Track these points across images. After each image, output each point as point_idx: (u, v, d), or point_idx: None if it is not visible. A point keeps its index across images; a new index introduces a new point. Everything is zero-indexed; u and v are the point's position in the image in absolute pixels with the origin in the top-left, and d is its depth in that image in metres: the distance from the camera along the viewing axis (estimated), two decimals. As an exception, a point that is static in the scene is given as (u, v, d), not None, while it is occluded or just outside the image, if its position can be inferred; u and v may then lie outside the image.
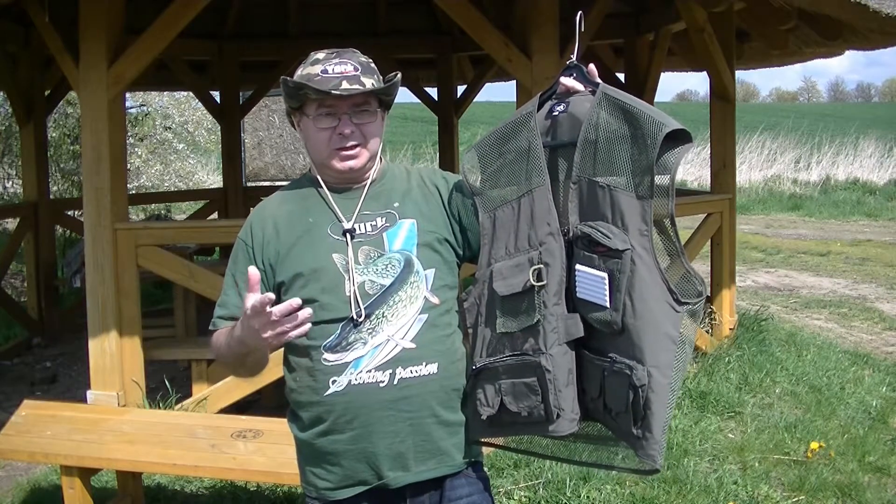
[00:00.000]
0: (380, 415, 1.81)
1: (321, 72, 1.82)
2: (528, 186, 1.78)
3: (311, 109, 1.86)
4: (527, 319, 1.74)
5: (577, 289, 1.73)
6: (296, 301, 1.63)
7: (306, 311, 1.64)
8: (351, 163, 1.87)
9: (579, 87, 1.77)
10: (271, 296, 1.63)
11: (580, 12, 1.83)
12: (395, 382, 1.81)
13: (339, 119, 1.85)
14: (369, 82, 1.84)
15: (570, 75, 1.79)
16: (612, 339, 1.69)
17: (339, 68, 1.83)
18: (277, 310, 1.62)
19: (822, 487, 3.82)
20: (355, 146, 1.86)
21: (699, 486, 3.75)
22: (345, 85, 1.81)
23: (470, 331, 1.87)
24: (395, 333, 1.82)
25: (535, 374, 1.73)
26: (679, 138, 1.63)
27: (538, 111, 1.82)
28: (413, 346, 1.83)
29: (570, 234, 1.73)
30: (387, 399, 1.81)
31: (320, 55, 1.87)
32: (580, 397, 1.76)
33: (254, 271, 1.69)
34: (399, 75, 1.90)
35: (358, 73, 1.84)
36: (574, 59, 1.80)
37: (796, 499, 3.76)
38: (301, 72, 1.86)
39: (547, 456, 1.95)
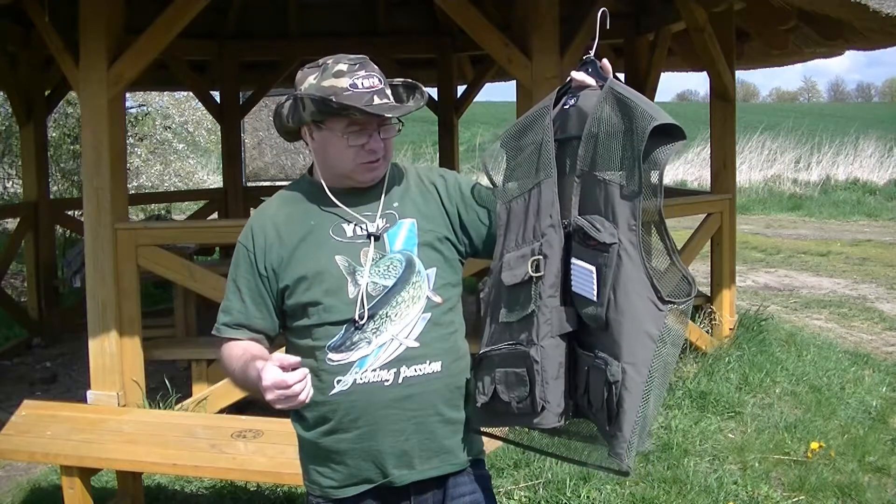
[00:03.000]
0: (385, 413, 1.82)
1: (350, 86, 1.80)
2: (537, 179, 1.80)
3: (339, 125, 1.82)
4: (524, 310, 1.76)
5: (571, 283, 1.74)
6: (304, 371, 1.68)
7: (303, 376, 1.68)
8: (374, 174, 1.88)
9: (591, 81, 1.79)
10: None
11: (603, 9, 1.83)
12: (400, 381, 1.82)
13: (369, 135, 1.84)
14: (391, 94, 1.85)
15: (586, 70, 1.81)
16: (599, 334, 1.69)
17: (367, 82, 1.81)
18: (294, 383, 1.65)
19: (822, 487, 3.82)
20: (379, 159, 1.87)
21: (699, 486, 3.75)
22: (376, 100, 1.80)
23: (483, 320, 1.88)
24: (398, 333, 1.83)
25: (525, 364, 1.74)
26: (673, 135, 1.63)
27: (556, 105, 1.84)
28: (417, 344, 1.83)
29: (570, 228, 1.75)
30: (392, 398, 1.82)
31: (343, 66, 1.83)
32: (573, 393, 1.77)
33: (296, 361, 1.69)
34: (425, 94, 1.92)
35: (383, 85, 1.84)
36: (591, 54, 1.81)
37: (796, 499, 3.77)
38: (322, 82, 1.82)
39: (542, 451, 1.95)
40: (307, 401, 1.69)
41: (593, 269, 1.67)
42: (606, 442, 1.70)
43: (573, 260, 1.73)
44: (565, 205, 1.77)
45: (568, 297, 1.75)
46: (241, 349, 1.88)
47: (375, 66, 1.87)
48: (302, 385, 1.65)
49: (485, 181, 1.97)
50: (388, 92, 1.85)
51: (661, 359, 1.64)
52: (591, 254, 1.68)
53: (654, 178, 1.63)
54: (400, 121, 1.91)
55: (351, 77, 1.81)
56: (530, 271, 1.74)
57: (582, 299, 1.71)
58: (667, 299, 1.64)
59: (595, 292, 1.67)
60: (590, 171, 1.72)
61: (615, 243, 1.64)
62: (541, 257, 1.74)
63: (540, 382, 1.73)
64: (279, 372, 1.65)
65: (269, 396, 1.65)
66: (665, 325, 1.64)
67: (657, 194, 1.63)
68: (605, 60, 1.79)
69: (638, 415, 1.63)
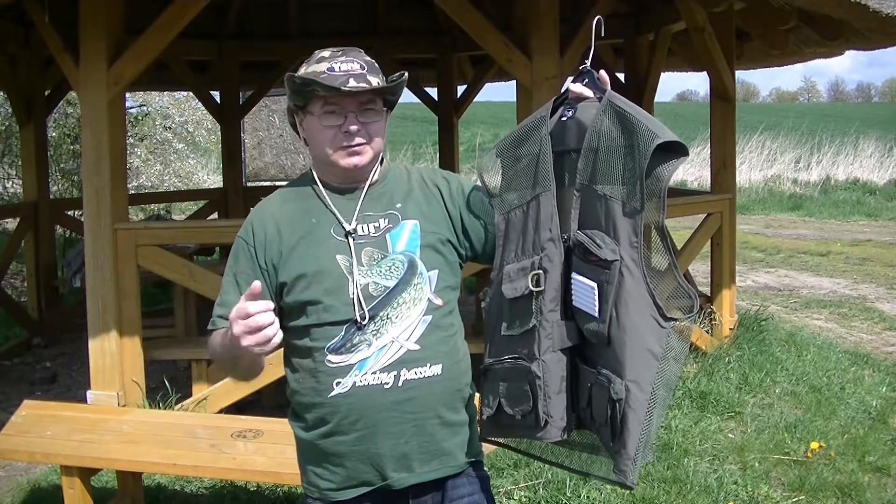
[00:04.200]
0: (384, 416, 1.81)
1: (328, 69, 1.81)
2: (536, 192, 1.79)
3: (317, 107, 1.84)
4: (525, 324, 1.75)
5: (572, 297, 1.73)
6: (270, 304, 1.65)
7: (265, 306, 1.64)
8: (355, 160, 1.86)
9: (588, 93, 1.77)
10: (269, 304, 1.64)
11: (598, 17, 1.82)
12: (400, 384, 1.81)
13: (344, 117, 1.83)
14: (375, 81, 1.84)
15: (583, 81, 1.79)
16: (601, 350, 1.69)
17: (345, 66, 1.82)
18: (253, 307, 1.62)
19: (822, 487, 3.82)
20: (360, 144, 1.85)
21: (699, 486, 3.75)
22: (352, 83, 1.80)
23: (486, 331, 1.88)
24: (399, 335, 1.82)
25: (527, 379, 1.74)
26: (674, 150, 1.62)
27: (552, 115, 1.82)
28: (417, 347, 1.83)
29: (570, 242, 1.74)
30: (391, 401, 1.81)
31: (326, 53, 1.86)
32: (575, 406, 1.77)
33: (257, 286, 1.66)
34: (406, 75, 1.89)
35: (364, 71, 1.83)
36: (588, 64, 1.80)
37: (796, 499, 3.77)
38: (306, 69, 1.85)
39: (547, 461, 1.95)
40: (277, 341, 1.65)
41: (595, 285, 1.66)
42: (610, 457, 1.70)
43: (573, 275, 1.72)
44: (565, 218, 1.76)
45: (569, 310, 1.74)
46: (223, 331, 1.83)
47: (364, 57, 1.87)
48: (267, 317, 1.62)
49: None
50: (372, 79, 1.83)
51: (664, 375, 1.64)
52: (592, 269, 1.67)
53: (656, 194, 1.62)
54: (388, 107, 1.90)
55: (330, 62, 1.83)
56: (530, 286, 1.74)
57: (583, 314, 1.70)
58: (669, 316, 1.63)
59: (596, 308, 1.66)
60: (589, 184, 1.71)
61: (616, 260, 1.64)
62: (541, 272, 1.74)
63: (542, 397, 1.73)
64: (242, 302, 1.63)
65: (235, 330, 1.63)
66: (668, 342, 1.64)
67: (659, 211, 1.62)
68: (602, 71, 1.77)
69: (642, 431, 1.63)
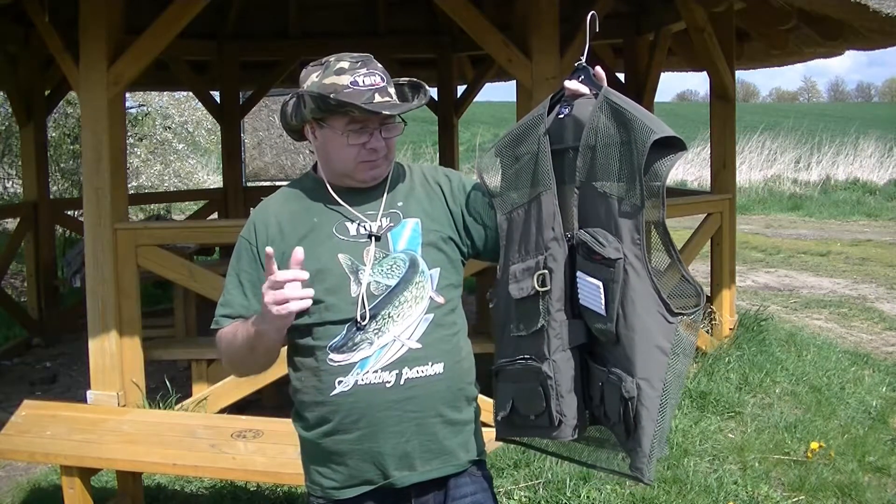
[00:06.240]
0: (386, 415, 1.81)
1: (351, 83, 1.79)
2: (537, 191, 1.78)
3: (340, 123, 1.82)
4: (534, 324, 1.75)
5: (579, 296, 1.73)
6: (304, 275, 1.69)
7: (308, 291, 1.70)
8: (375, 172, 1.87)
9: (584, 90, 1.76)
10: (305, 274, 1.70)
11: (592, 13, 1.81)
12: (402, 383, 1.81)
13: (370, 134, 1.83)
14: (393, 91, 1.84)
15: (578, 78, 1.78)
16: (610, 348, 1.69)
17: (368, 80, 1.80)
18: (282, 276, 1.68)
19: (822, 487, 3.82)
20: (379, 158, 1.86)
21: (699, 486, 3.75)
22: (377, 98, 1.80)
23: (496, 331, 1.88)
24: (401, 334, 1.82)
25: (538, 379, 1.74)
26: (673, 145, 1.61)
27: (549, 113, 1.81)
28: (419, 346, 1.83)
29: (574, 241, 1.73)
30: (393, 399, 1.81)
31: (345, 63, 1.82)
32: (588, 403, 1.76)
33: (298, 255, 1.71)
34: (428, 92, 1.90)
35: (385, 84, 1.83)
36: (583, 60, 1.79)
37: (796, 499, 3.77)
38: (322, 80, 1.81)
39: (566, 457, 1.94)
40: (295, 309, 1.69)
41: (600, 284, 1.66)
42: (626, 454, 1.70)
43: (579, 273, 1.71)
44: (566, 216, 1.75)
45: (576, 309, 1.74)
46: (237, 324, 1.87)
47: (379, 65, 1.86)
48: (294, 288, 1.67)
49: None
50: (391, 91, 1.84)
51: (675, 370, 1.63)
52: (596, 268, 1.67)
53: (656, 190, 1.61)
54: (403, 120, 1.91)
55: (352, 74, 1.80)
56: (536, 286, 1.73)
57: (591, 313, 1.70)
58: (676, 311, 1.63)
59: (603, 307, 1.66)
60: (588, 182, 1.71)
61: (620, 258, 1.63)
62: (546, 271, 1.73)
63: (555, 397, 1.72)
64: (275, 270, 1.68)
65: (266, 299, 1.68)
66: (676, 337, 1.63)
67: (660, 207, 1.62)
68: (598, 68, 1.77)
69: (656, 428, 1.62)
